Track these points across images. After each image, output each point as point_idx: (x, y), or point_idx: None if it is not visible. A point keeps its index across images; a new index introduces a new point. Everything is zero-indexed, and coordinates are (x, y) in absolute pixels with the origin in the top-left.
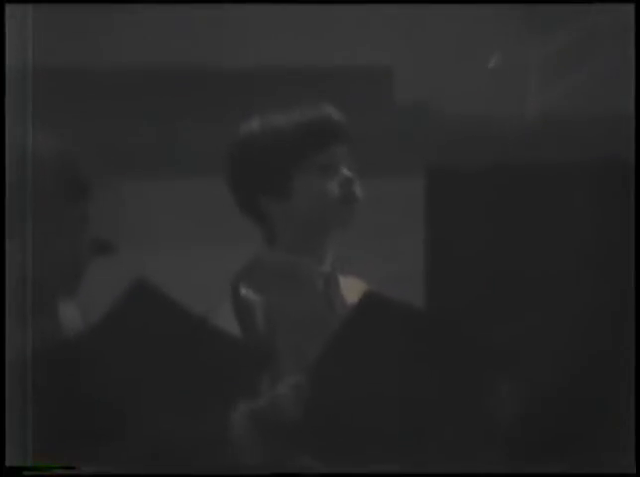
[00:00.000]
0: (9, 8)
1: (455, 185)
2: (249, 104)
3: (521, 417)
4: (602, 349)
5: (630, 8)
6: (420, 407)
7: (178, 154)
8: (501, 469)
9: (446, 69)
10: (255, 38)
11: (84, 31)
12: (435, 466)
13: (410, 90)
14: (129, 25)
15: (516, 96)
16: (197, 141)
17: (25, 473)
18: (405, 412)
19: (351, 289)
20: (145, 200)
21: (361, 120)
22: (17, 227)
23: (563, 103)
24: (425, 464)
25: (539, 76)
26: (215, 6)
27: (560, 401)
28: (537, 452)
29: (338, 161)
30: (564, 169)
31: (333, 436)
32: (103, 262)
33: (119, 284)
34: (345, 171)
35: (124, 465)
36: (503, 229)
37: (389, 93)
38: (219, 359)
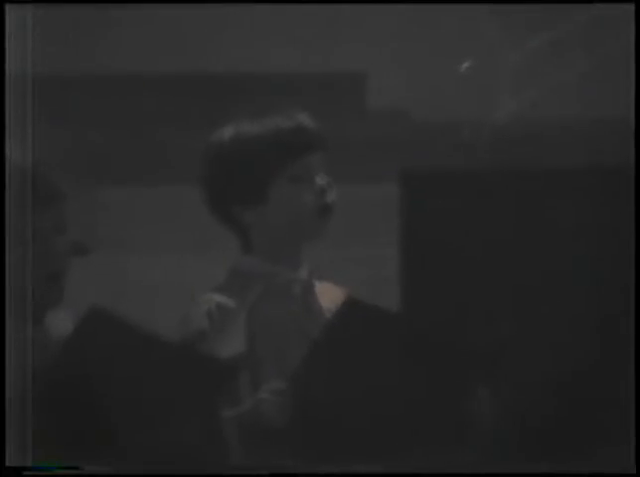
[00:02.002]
0: (9, 8)
1: (430, 190)
2: (225, 111)
3: (520, 418)
4: (601, 349)
5: (630, 8)
6: (404, 409)
7: (155, 161)
8: (501, 469)
9: (420, 75)
10: (231, 45)
11: (76, 39)
12: (422, 468)
13: (384, 97)
14: (111, 35)
15: (490, 101)
16: (176, 148)
17: (25, 473)
18: (389, 414)
19: (328, 294)
20: (125, 207)
21: (335, 127)
22: (18, 234)
23: (537, 108)
24: (411, 466)
25: (512, 80)
26: (189, 14)
27: (560, 402)
28: (537, 452)
29: (312, 170)
30: (539, 173)
31: (316, 440)
32: (86, 270)
33: (104, 290)
34: (319, 180)
35: (122, 465)
36: (477, 233)
37: (362, 100)
38: (193, 373)
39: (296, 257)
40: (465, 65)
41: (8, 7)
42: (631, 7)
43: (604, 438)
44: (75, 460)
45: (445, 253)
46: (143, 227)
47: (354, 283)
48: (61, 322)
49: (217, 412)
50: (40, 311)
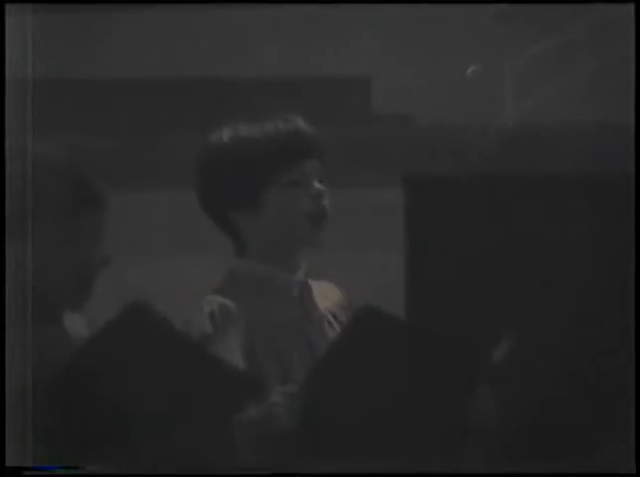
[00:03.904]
0: (9, 7)
1: (434, 195)
2: (226, 115)
3: (520, 418)
4: (602, 350)
5: (630, 8)
6: (413, 413)
7: (155, 165)
8: (502, 469)
9: (424, 80)
10: (234, 48)
11: (80, 42)
12: (430, 469)
13: (388, 101)
14: (116, 38)
15: (493, 106)
16: (175, 152)
17: (25, 473)
18: (397, 418)
19: (326, 295)
20: (124, 211)
21: (339, 131)
22: (19, 232)
23: (540, 112)
24: (421, 467)
25: (516, 85)
26: (192, 18)
27: (560, 402)
28: (537, 452)
29: (309, 176)
30: (544, 178)
31: (325, 443)
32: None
33: (116, 294)
34: (316, 185)
35: (124, 465)
36: (481, 238)
37: (366, 104)
38: (208, 376)
39: (292, 261)
40: (470, 70)
41: (8, 8)
42: (631, 7)
43: (604, 438)
44: (75, 460)
45: (449, 258)
46: (142, 231)
47: (357, 288)
48: (75, 325)
49: (225, 416)
50: (58, 311)
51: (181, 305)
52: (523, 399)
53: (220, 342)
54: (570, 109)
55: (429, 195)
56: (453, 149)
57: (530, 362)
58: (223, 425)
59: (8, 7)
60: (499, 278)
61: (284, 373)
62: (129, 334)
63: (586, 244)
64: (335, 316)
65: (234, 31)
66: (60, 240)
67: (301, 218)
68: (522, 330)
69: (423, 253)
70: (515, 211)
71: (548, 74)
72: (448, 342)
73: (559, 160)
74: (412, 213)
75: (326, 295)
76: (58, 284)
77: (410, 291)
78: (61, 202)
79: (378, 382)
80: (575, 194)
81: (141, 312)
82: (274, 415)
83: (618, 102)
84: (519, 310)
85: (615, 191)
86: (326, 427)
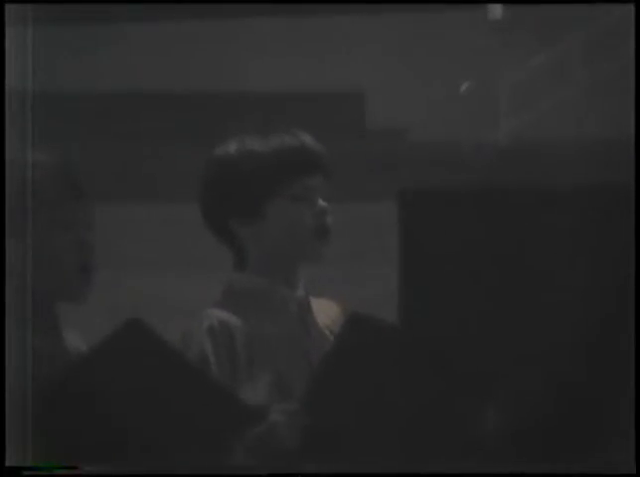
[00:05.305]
0: (9, 8)
1: (428, 209)
2: (224, 130)
3: (520, 418)
4: (601, 350)
5: (630, 8)
6: (414, 424)
7: (155, 179)
8: (501, 470)
9: (420, 94)
10: (231, 64)
11: (81, 54)
12: (431, 469)
13: (384, 116)
14: (118, 52)
15: (489, 120)
16: (177, 166)
17: (25, 473)
18: (397, 429)
19: (325, 312)
20: (125, 225)
21: (334, 146)
22: (17, 230)
23: (536, 125)
24: (421, 467)
25: (512, 100)
26: (196, 32)
27: (560, 402)
28: (537, 453)
29: (313, 191)
30: (539, 192)
31: (329, 458)
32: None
33: (102, 308)
34: (320, 202)
35: (124, 465)
36: (476, 252)
37: (362, 119)
38: (204, 396)
39: (292, 275)
40: (465, 85)
41: (8, 9)
42: (631, 7)
43: (604, 438)
44: (75, 460)
45: (444, 272)
46: (140, 244)
47: (352, 302)
48: (72, 339)
49: (223, 434)
50: (54, 310)
51: (180, 319)
52: (522, 400)
53: (218, 356)
54: (568, 122)
55: (424, 208)
56: (449, 163)
57: (529, 363)
58: (221, 442)
59: (8, 9)
60: (494, 291)
61: (282, 388)
62: (126, 350)
63: (584, 258)
64: (334, 333)
65: (231, 47)
66: (56, 227)
67: (304, 233)
68: (519, 336)
69: (419, 267)
70: (511, 224)
71: (544, 86)
72: (441, 354)
73: (556, 173)
74: (407, 226)
75: (325, 311)
76: (57, 269)
77: (405, 304)
78: (55, 196)
79: (374, 390)
80: (573, 207)
81: (137, 329)
82: (275, 434)
83: (616, 113)
84: (515, 320)
85: (615, 203)
86: (326, 441)
